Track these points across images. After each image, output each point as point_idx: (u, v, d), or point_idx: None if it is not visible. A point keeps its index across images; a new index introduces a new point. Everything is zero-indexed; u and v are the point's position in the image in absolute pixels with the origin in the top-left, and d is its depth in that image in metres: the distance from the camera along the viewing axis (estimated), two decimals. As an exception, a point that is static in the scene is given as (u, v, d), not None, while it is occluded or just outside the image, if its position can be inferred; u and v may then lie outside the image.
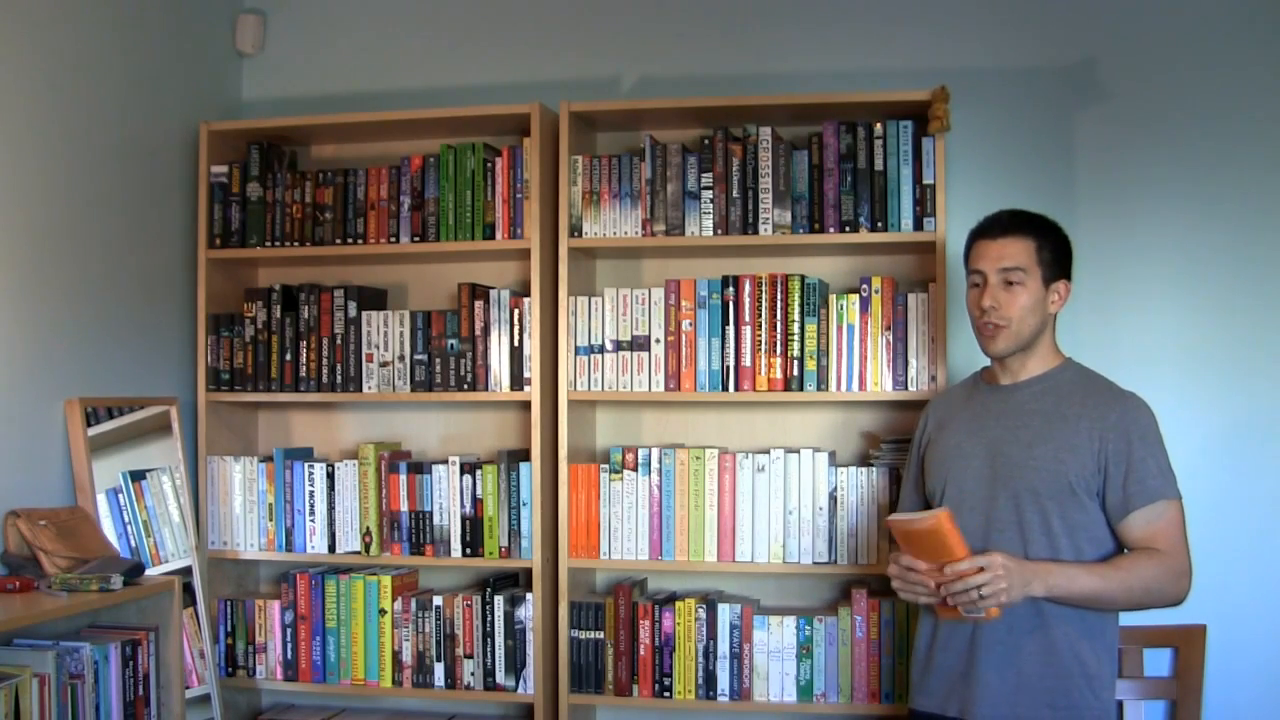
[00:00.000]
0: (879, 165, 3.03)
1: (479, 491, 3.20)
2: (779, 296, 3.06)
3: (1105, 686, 2.31)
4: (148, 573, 2.88)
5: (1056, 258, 2.39)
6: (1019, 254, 2.36)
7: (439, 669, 3.22)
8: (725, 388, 3.09)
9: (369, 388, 3.26)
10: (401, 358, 3.26)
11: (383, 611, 3.24)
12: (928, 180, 3.00)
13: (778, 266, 3.12)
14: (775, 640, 3.06)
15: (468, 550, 3.20)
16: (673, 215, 3.12)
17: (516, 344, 3.18)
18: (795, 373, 3.05)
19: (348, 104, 3.53)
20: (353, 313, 3.28)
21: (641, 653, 3.12)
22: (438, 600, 3.22)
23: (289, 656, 3.30)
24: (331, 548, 3.28)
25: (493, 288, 3.23)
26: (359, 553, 3.27)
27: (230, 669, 3.33)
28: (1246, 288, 3.08)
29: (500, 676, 3.19)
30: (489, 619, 3.19)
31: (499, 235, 3.20)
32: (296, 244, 3.32)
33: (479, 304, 3.21)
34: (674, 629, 3.10)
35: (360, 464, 3.27)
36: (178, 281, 3.37)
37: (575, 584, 3.20)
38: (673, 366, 3.13)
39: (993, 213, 2.45)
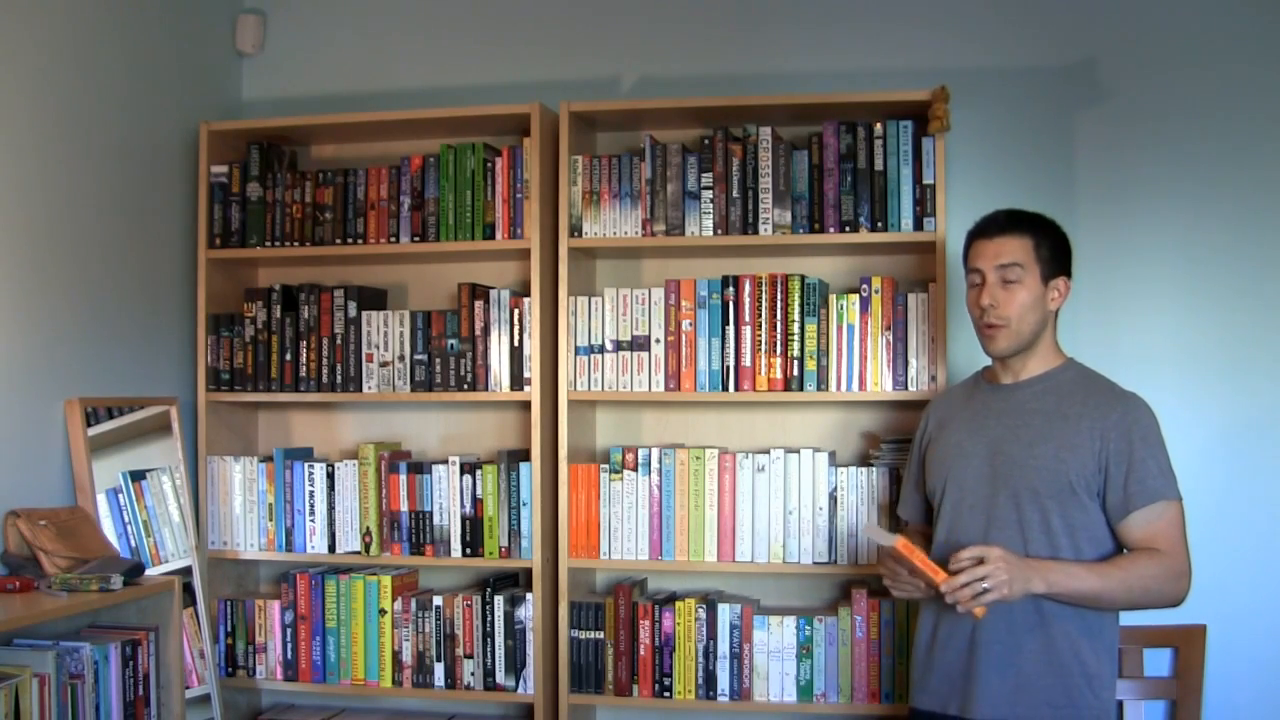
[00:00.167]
0: (879, 165, 3.03)
1: (479, 491, 3.20)
2: (779, 296, 3.06)
3: (1105, 686, 2.31)
4: (148, 573, 2.88)
5: (1054, 254, 2.39)
6: (1016, 251, 2.36)
7: (439, 669, 3.22)
8: (725, 388, 3.09)
9: (369, 388, 3.26)
10: (401, 358, 3.26)
11: (383, 611, 3.24)
12: (928, 180, 3.00)
13: (778, 266, 3.12)
14: (775, 640, 3.06)
15: (468, 550, 3.20)
16: (673, 215, 3.12)
17: (516, 344, 3.18)
18: (795, 373, 3.05)
19: (348, 104, 3.53)
20: (353, 313, 3.28)
21: (641, 653, 3.12)
22: (438, 600, 3.22)
23: (289, 656, 3.30)
24: (331, 548, 3.28)
25: (493, 288, 3.23)
26: (359, 553, 3.27)
27: (230, 669, 3.33)
28: (1246, 288, 3.08)
29: (500, 676, 3.19)
30: (489, 619, 3.19)
31: (499, 235, 3.20)
32: (296, 244, 3.32)
33: (479, 304, 3.21)
34: (674, 629, 3.10)
35: (360, 464, 3.27)
36: (178, 281, 3.37)
37: (575, 584, 3.20)
38: (673, 366, 3.12)
39: (989, 213, 2.45)
